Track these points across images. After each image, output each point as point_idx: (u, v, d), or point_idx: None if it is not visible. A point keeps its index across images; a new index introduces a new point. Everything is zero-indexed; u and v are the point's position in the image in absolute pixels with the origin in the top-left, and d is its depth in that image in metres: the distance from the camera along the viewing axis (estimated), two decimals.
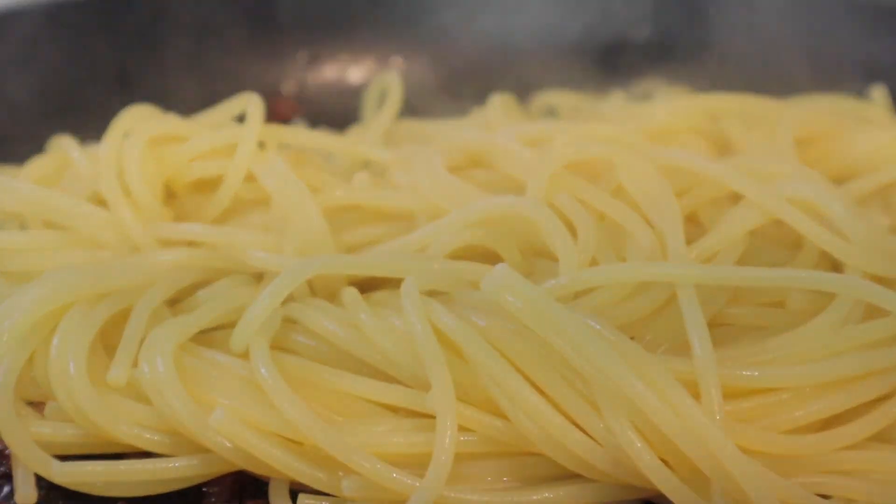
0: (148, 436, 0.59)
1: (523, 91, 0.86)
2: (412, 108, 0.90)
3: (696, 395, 0.56)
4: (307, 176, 0.68)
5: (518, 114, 0.83)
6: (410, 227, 0.67)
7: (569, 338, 0.54)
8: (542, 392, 0.56)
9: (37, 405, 0.62)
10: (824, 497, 0.57)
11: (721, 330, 0.63)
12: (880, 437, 0.60)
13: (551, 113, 0.88)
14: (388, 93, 0.87)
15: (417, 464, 0.55)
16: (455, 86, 0.96)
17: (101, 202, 0.70)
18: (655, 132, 0.75)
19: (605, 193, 0.66)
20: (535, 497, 0.57)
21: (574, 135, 0.70)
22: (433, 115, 0.88)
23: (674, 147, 0.73)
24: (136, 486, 0.59)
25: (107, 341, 0.62)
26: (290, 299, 0.61)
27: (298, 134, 0.73)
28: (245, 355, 0.60)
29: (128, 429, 0.59)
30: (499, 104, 0.81)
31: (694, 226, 0.66)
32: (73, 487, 0.58)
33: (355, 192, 0.68)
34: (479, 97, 0.86)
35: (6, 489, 0.60)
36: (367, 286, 0.63)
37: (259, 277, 0.65)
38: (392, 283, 0.62)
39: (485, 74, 0.95)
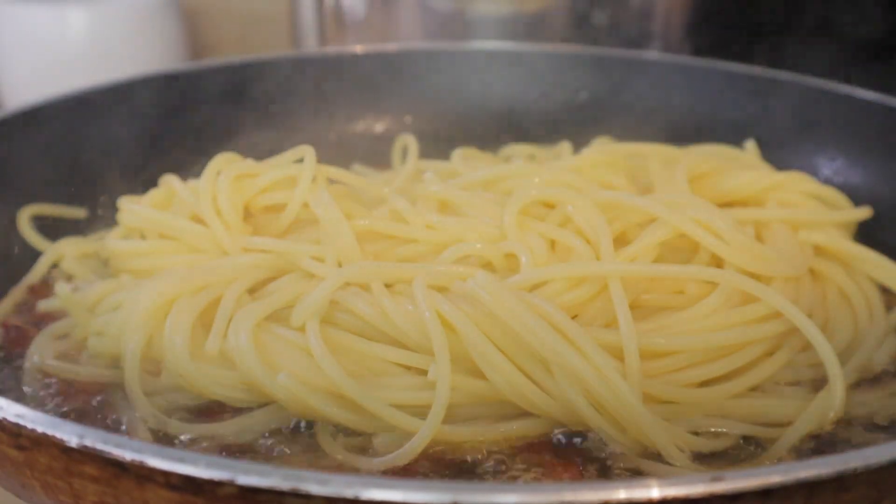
0: (232, 394, 0.60)
1: (494, 139, 0.86)
2: (419, 150, 0.90)
3: (621, 357, 0.57)
4: (343, 205, 0.68)
5: (483, 160, 0.83)
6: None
7: (521, 322, 0.56)
8: (509, 358, 0.57)
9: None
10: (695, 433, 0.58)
11: (639, 310, 0.63)
12: (756, 388, 0.62)
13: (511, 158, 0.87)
14: (409, 149, 0.88)
15: (421, 411, 0.56)
16: (447, 134, 0.96)
17: (198, 221, 0.71)
18: (582, 167, 0.75)
19: (555, 225, 0.67)
20: (502, 427, 0.58)
21: (526, 175, 0.72)
22: (431, 155, 0.88)
23: (607, 187, 0.73)
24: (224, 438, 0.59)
25: (206, 321, 0.62)
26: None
27: (338, 173, 0.73)
28: (302, 329, 0.60)
29: (217, 389, 0.59)
30: (458, 156, 0.82)
31: (623, 242, 0.67)
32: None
33: (375, 222, 0.68)
34: (464, 142, 0.87)
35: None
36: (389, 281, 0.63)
37: (311, 276, 0.65)
38: (407, 280, 0.62)
39: (468, 127, 0.95)
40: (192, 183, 0.74)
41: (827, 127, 0.87)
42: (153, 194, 0.76)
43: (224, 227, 0.69)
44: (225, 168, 0.71)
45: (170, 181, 0.76)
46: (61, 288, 0.66)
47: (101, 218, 0.84)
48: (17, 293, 0.73)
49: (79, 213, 0.83)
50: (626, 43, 1.11)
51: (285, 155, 0.73)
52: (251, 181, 0.71)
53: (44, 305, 0.71)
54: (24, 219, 0.78)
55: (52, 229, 0.79)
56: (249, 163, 0.73)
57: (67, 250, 0.77)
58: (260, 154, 0.76)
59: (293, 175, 0.70)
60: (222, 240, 0.68)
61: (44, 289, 0.74)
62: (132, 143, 0.88)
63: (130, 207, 0.74)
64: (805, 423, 0.58)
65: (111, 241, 0.74)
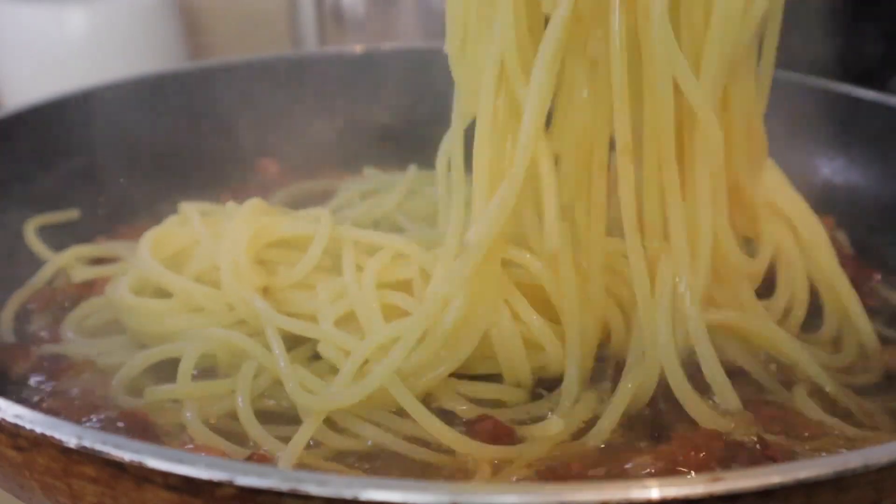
0: None
1: None
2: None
3: None
4: None
5: None
6: None
7: None
8: None
9: None
10: None
11: None
12: None
13: None
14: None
15: None
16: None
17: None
18: None
19: None
20: None
21: None
22: (432, 156, 0.86)
23: None
24: None
25: None
26: None
27: (358, 233, 0.68)
28: None
29: None
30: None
31: None
32: None
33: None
34: None
35: None
36: None
37: None
38: None
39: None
40: (211, 218, 0.71)
41: (827, 127, 0.87)
42: (171, 228, 0.71)
43: (237, 290, 0.64)
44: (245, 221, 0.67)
45: (188, 213, 0.72)
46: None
47: (102, 218, 0.83)
48: (17, 300, 0.72)
49: (72, 214, 0.82)
50: None
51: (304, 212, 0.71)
52: (268, 230, 0.68)
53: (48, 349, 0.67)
54: (31, 231, 0.77)
55: (52, 230, 0.79)
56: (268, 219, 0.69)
57: (71, 260, 0.75)
58: (260, 154, 0.76)
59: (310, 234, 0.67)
60: (233, 302, 0.64)
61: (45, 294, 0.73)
62: (131, 142, 0.88)
63: (143, 256, 0.68)
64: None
65: (124, 294, 0.67)
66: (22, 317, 0.71)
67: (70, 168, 0.83)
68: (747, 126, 0.61)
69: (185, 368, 0.61)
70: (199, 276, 0.67)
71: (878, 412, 0.59)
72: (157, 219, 0.74)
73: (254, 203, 0.69)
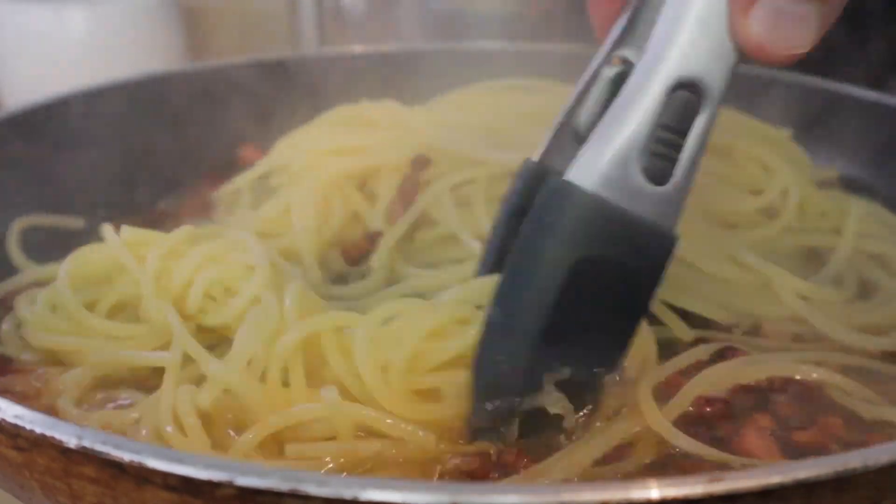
0: None
1: None
2: None
3: None
4: None
5: None
6: None
7: None
8: None
9: None
10: None
11: None
12: None
13: None
14: None
15: None
16: None
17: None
18: None
19: None
20: None
21: None
22: None
23: None
24: None
25: None
26: None
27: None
28: None
29: None
30: None
31: None
32: None
33: None
34: None
35: None
36: None
37: None
38: None
39: None
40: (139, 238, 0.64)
41: (827, 127, 0.87)
42: (94, 251, 0.63)
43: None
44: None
45: (108, 237, 0.63)
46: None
47: (101, 218, 0.82)
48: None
49: (77, 223, 0.80)
50: None
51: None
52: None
53: None
54: (14, 233, 0.74)
55: (51, 231, 0.79)
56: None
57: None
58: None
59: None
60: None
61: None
62: (131, 142, 0.88)
63: (60, 286, 0.61)
64: None
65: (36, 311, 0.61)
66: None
67: (70, 168, 0.83)
68: None
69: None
70: (120, 301, 0.61)
71: None
72: (156, 219, 0.74)
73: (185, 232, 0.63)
